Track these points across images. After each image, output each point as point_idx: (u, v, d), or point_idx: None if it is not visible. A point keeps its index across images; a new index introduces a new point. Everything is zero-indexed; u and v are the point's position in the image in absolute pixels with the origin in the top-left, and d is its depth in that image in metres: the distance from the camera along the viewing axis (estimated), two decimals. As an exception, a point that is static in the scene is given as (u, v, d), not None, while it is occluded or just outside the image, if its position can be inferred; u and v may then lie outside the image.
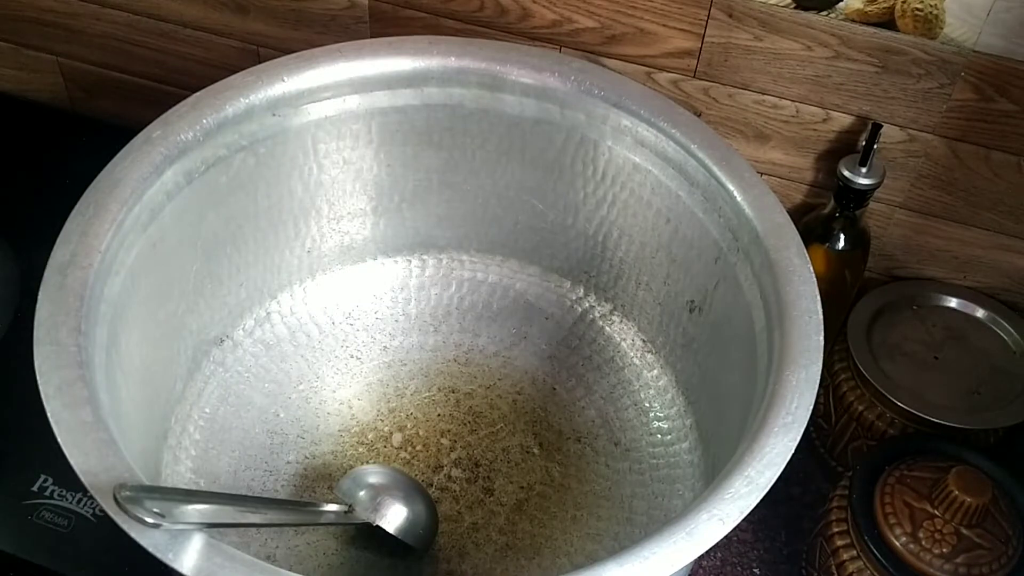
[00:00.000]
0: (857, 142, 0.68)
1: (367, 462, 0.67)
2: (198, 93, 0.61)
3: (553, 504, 0.65)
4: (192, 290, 0.65)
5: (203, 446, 0.65)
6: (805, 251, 0.57)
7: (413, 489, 0.62)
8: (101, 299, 0.53)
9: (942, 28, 0.62)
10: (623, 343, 0.73)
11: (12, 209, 0.83)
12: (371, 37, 0.75)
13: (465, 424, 0.69)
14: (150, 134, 0.59)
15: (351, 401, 0.70)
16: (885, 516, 0.58)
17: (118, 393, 0.53)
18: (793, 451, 0.48)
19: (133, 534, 0.43)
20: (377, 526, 0.58)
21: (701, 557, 0.51)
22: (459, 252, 0.76)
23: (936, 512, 0.58)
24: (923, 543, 0.57)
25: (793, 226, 0.58)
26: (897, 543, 0.57)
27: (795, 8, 0.65)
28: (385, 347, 0.73)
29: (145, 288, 0.58)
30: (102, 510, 0.44)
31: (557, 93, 0.65)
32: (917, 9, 0.62)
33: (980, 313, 0.72)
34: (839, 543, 0.61)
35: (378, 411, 0.69)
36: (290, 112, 0.64)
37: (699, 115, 0.72)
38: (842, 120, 0.69)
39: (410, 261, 0.76)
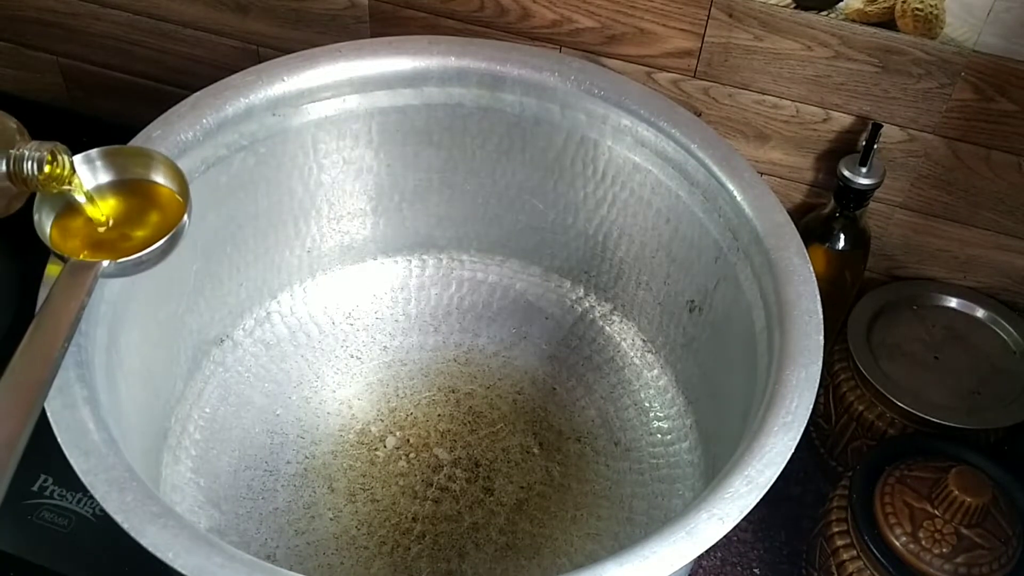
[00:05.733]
0: (857, 142, 0.68)
1: (367, 462, 0.67)
2: (198, 93, 0.61)
3: (553, 504, 0.65)
4: (192, 290, 0.65)
5: (203, 446, 0.65)
6: (805, 251, 0.57)
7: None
8: (101, 299, 0.53)
9: (942, 28, 0.62)
10: (623, 343, 0.73)
11: (12, 209, 0.83)
12: (371, 37, 0.75)
13: (465, 424, 0.69)
14: (150, 134, 0.59)
15: (351, 401, 0.70)
16: (885, 516, 0.58)
17: (118, 393, 0.53)
18: (793, 450, 0.48)
19: (133, 534, 0.43)
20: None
21: (701, 556, 0.52)
22: (459, 252, 0.76)
23: (936, 512, 0.58)
24: (923, 543, 0.57)
25: (793, 226, 0.58)
26: (897, 543, 0.58)
27: (795, 8, 0.65)
28: (385, 347, 0.73)
29: (145, 288, 0.58)
30: (102, 510, 0.44)
31: (557, 93, 0.65)
32: (917, 9, 0.62)
33: (980, 313, 0.72)
34: (839, 543, 0.61)
35: (378, 411, 0.69)
36: (290, 112, 0.64)
37: (699, 115, 0.72)
38: (842, 120, 0.69)
39: (410, 261, 0.76)
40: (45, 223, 0.51)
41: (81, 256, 0.50)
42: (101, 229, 0.52)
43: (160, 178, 0.54)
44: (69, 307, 0.47)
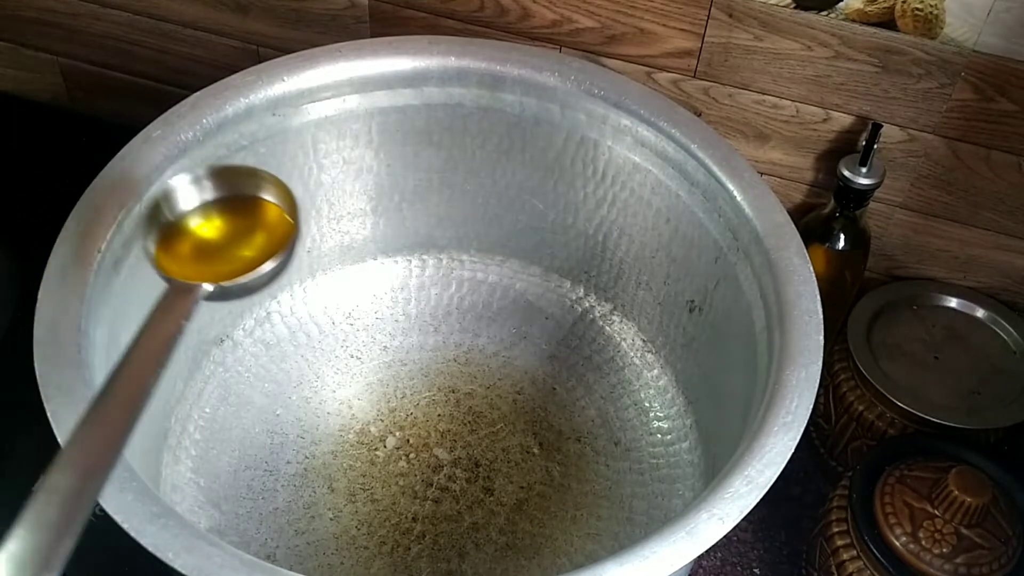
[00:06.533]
0: (857, 142, 0.68)
1: (367, 462, 0.67)
2: (198, 93, 0.61)
3: (553, 504, 0.65)
4: (192, 290, 0.65)
5: (203, 446, 0.65)
6: (805, 251, 0.57)
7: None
8: (101, 299, 0.53)
9: (942, 28, 0.62)
10: (623, 343, 0.73)
11: (12, 209, 0.83)
12: (371, 37, 0.75)
13: (465, 424, 0.69)
14: (150, 134, 0.59)
15: (351, 401, 0.70)
16: (885, 516, 0.58)
17: (118, 393, 0.53)
18: (793, 450, 0.48)
19: (133, 534, 0.43)
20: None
21: (701, 556, 0.52)
22: (459, 252, 0.76)
23: (936, 512, 0.58)
24: (923, 543, 0.57)
25: (793, 226, 0.58)
26: (897, 543, 0.58)
27: (795, 8, 0.65)
28: (385, 347, 0.73)
29: (145, 287, 0.58)
30: (102, 509, 0.44)
31: (557, 93, 0.65)
32: (917, 9, 0.62)
33: (980, 313, 0.72)
34: (839, 543, 0.61)
35: (378, 411, 0.69)
36: (290, 112, 0.64)
37: (699, 115, 0.72)
38: (842, 120, 0.69)
39: (410, 261, 0.76)
40: (150, 243, 0.49)
41: (184, 278, 0.47)
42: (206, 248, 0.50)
43: (269, 196, 0.51)
44: (167, 331, 0.44)
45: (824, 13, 0.64)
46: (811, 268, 0.56)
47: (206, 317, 0.67)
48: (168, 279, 0.47)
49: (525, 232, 0.73)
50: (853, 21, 0.64)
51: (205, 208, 0.51)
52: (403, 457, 0.67)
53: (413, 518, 0.64)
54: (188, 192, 0.50)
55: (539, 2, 0.71)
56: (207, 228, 0.50)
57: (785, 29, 0.66)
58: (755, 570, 0.68)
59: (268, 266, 0.48)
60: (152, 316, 0.45)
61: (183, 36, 0.84)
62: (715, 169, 0.60)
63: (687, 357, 0.68)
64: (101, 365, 0.51)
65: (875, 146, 0.65)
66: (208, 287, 0.46)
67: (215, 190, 0.51)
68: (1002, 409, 0.66)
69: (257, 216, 0.51)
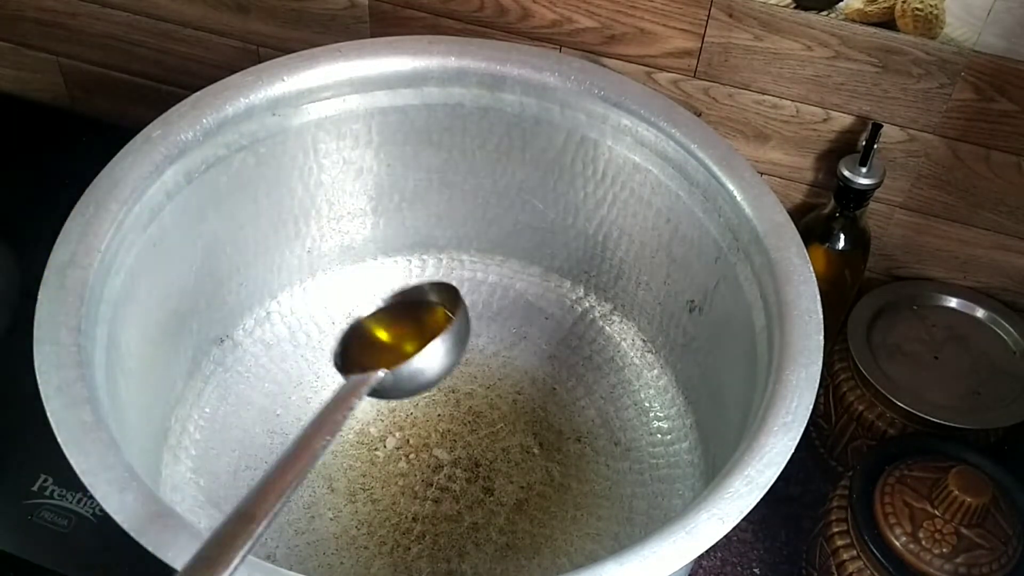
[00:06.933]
0: (857, 142, 0.68)
1: (367, 462, 0.67)
2: (198, 93, 0.61)
3: (553, 504, 0.65)
4: (192, 290, 0.65)
5: (203, 446, 0.65)
6: (805, 251, 0.57)
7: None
8: (101, 299, 0.53)
9: (942, 28, 0.62)
10: (623, 343, 0.73)
11: (12, 209, 0.83)
12: (371, 37, 0.75)
13: (465, 424, 0.69)
14: (150, 134, 0.59)
15: (351, 401, 0.70)
16: (885, 516, 0.58)
17: (118, 393, 0.53)
18: (793, 450, 0.48)
19: (133, 533, 0.43)
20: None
21: (701, 556, 0.51)
22: (459, 252, 0.76)
23: (936, 512, 0.58)
24: (923, 543, 0.57)
25: (793, 226, 0.58)
26: (897, 543, 0.58)
27: (795, 8, 0.65)
28: (385, 347, 0.73)
29: (145, 288, 0.58)
30: (102, 510, 0.44)
31: (557, 93, 0.65)
32: (917, 9, 0.62)
33: (980, 313, 0.72)
34: (839, 543, 0.61)
35: (378, 411, 0.69)
36: (290, 112, 0.64)
37: (699, 115, 0.72)
38: (842, 120, 0.69)
39: (410, 261, 0.76)
40: (337, 348, 0.55)
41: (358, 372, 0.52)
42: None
43: (433, 296, 0.55)
44: (339, 411, 0.50)
45: (824, 13, 0.64)
46: (811, 268, 0.56)
47: (206, 317, 0.67)
48: (347, 376, 0.52)
49: (525, 232, 0.73)
50: (853, 21, 0.64)
51: (378, 315, 0.56)
52: (403, 457, 0.67)
53: (413, 518, 0.64)
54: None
55: (539, 2, 0.71)
56: (379, 331, 0.55)
57: (785, 29, 0.66)
58: (755, 570, 0.68)
59: (435, 345, 0.51)
60: (328, 404, 0.50)
61: (183, 36, 0.84)
62: (715, 169, 0.60)
63: (687, 357, 0.68)
64: (101, 365, 0.51)
65: (875, 146, 0.65)
66: (380, 374, 0.51)
67: (387, 299, 0.56)
68: (1002, 409, 0.66)
69: (424, 318, 0.55)
